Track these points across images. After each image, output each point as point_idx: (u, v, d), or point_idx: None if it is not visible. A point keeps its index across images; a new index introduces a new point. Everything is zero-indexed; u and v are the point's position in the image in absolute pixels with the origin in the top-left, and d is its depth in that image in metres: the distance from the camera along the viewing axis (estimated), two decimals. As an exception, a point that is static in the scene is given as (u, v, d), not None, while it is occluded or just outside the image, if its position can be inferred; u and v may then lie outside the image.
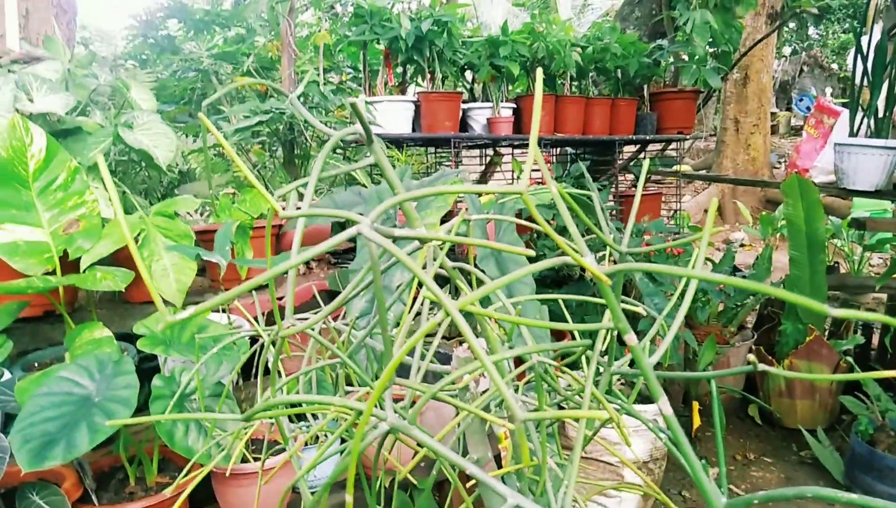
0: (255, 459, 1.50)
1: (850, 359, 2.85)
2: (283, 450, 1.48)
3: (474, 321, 0.83)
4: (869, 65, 3.19)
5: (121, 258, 1.65)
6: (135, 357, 1.47)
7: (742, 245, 6.26)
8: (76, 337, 1.42)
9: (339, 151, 2.71)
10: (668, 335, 0.56)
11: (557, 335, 2.22)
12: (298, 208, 1.74)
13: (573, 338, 0.73)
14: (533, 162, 0.51)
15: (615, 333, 0.71)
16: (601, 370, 0.72)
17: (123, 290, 1.54)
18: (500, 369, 0.82)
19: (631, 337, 0.51)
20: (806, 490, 0.51)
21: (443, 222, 1.79)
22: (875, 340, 3.43)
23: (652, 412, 2.27)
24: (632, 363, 1.00)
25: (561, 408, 0.85)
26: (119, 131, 1.59)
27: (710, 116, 10.33)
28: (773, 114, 10.80)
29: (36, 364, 1.55)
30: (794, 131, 11.25)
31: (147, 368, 1.49)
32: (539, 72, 0.46)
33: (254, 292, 1.55)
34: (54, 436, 1.09)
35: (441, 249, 0.72)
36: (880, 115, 3.16)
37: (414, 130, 2.57)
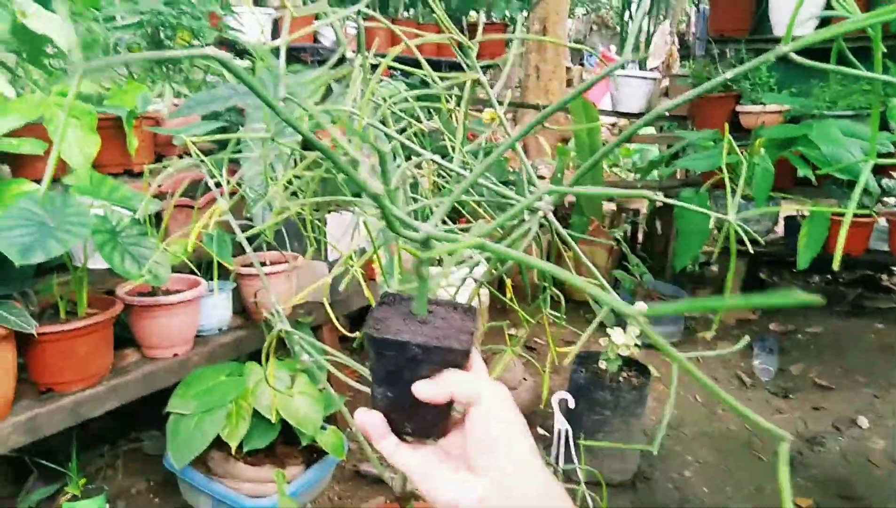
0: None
1: (620, 241, 3.70)
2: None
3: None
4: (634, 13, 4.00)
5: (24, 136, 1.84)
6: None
7: (542, 177, 7.20)
8: (5, 190, 1.63)
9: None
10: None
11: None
12: (176, 105, 2.20)
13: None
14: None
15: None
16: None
17: (41, 153, 1.76)
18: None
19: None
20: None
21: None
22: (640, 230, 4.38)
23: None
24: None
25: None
26: (18, 18, 1.76)
27: (517, 69, 11.34)
28: (568, 69, 12.14)
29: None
30: (585, 84, 12.70)
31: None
32: None
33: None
34: (31, 245, 1.37)
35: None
36: (641, 54, 4.00)
37: (273, 38, 2.88)
